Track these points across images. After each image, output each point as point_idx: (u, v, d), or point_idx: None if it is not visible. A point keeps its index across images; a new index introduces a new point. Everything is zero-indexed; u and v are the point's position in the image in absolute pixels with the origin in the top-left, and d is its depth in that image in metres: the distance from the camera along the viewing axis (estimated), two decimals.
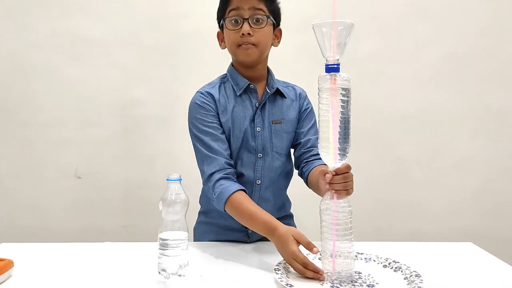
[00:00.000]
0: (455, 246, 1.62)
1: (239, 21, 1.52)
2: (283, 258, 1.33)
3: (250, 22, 1.51)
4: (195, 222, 1.81)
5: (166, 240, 1.24)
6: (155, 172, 2.69)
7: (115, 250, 1.54)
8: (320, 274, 1.23)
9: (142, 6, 2.64)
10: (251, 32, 1.51)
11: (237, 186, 1.49)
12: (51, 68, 2.64)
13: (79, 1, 2.61)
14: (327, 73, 1.15)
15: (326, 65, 1.15)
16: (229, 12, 1.53)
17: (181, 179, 1.27)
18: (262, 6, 1.53)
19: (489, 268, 1.42)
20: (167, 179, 1.26)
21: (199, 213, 1.80)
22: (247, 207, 1.44)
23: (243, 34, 1.51)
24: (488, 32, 2.70)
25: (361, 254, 1.43)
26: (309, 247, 1.27)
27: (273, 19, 1.57)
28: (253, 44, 1.53)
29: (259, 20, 1.53)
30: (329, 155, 1.20)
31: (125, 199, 2.72)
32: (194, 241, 1.75)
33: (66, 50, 2.64)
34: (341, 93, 1.14)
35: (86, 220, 2.71)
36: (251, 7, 1.51)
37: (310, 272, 1.24)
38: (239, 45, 1.54)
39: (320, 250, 1.27)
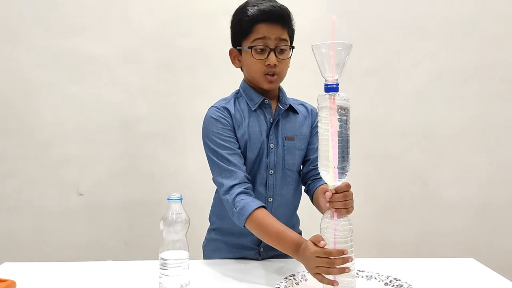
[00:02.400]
0: (457, 262, 1.62)
1: (264, 50, 1.52)
2: (307, 271, 1.30)
3: (275, 52, 1.52)
4: (203, 238, 1.80)
5: (167, 260, 1.24)
6: (157, 188, 2.69)
7: (116, 269, 1.54)
8: (347, 257, 1.19)
9: (143, 24, 2.67)
10: (277, 63, 1.52)
11: (258, 202, 1.46)
12: (53, 86, 2.66)
13: (81, 19, 2.64)
14: (326, 93, 1.16)
15: (325, 85, 1.16)
16: (254, 40, 1.52)
17: (181, 199, 1.27)
18: (286, 36, 1.55)
19: (491, 284, 1.42)
20: (167, 199, 1.26)
21: (209, 230, 1.79)
22: (273, 225, 1.41)
23: (269, 64, 1.52)
24: (485, 47, 2.74)
25: (362, 271, 1.42)
26: (317, 239, 1.24)
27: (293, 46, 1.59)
28: (276, 74, 1.55)
29: (284, 51, 1.55)
30: (329, 174, 1.20)
31: (126, 216, 2.73)
32: (203, 258, 1.75)
33: (68, 68, 2.66)
34: (340, 113, 1.15)
35: (88, 237, 2.72)
36: (277, 38, 1.52)
37: (338, 260, 1.19)
38: (264, 74, 1.55)
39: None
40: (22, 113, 2.67)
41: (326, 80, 1.16)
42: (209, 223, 1.80)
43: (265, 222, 1.42)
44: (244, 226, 1.46)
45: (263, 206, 1.46)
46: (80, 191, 2.70)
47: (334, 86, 1.15)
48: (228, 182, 1.50)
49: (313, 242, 1.25)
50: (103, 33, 2.66)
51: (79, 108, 2.68)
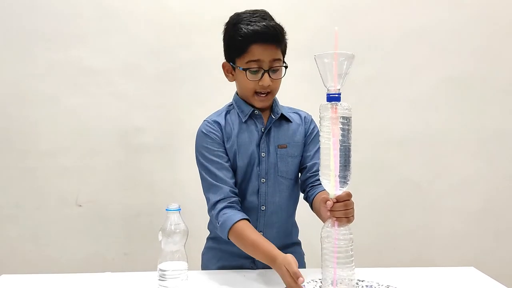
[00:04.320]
0: (457, 271, 1.61)
1: (258, 71, 1.53)
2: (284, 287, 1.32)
3: (269, 73, 1.53)
4: (203, 247, 1.81)
5: (165, 271, 1.23)
6: (156, 199, 2.69)
7: (115, 281, 1.52)
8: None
9: (142, 36, 2.67)
10: (270, 83, 1.54)
11: (240, 215, 1.50)
12: (52, 98, 2.66)
13: (79, 31, 2.65)
14: (328, 102, 1.16)
15: (328, 94, 1.16)
16: (248, 61, 1.52)
17: (180, 209, 1.26)
18: (279, 55, 1.55)
19: None
20: (166, 209, 1.25)
21: (208, 238, 1.80)
22: (248, 237, 1.45)
23: (262, 85, 1.53)
24: (483, 55, 2.75)
25: (362, 281, 1.41)
26: (295, 276, 1.26)
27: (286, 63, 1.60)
28: (269, 92, 1.57)
29: (277, 71, 1.56)
30: (330, 183, 1.20)
31: (126, 227, 2.72)
32: (201, 266, 1.76)
33: (67, 80, 2.66)
34: (341, 122, 1.15)
35: (87, 248, 2.70)
36: (271, 59, 1.53)
37: None
38: (255, 93, 1.57)
39: (320, 278, 1.25)
40: (21, 124, 2.66)
41: (328, 90, 1.16)
42: (208, 232, 1.80)
43: (243, 234, 1.46)
44: (229, 239, 1.50)
45: (245, 219, 1.50)
46: (79, 202, 2.69)
47: (336, 95, 1.15)
48: (213, 198, 1.54)
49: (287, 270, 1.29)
50: (102, 44, 2.66)
51: (78, 119, 2.68)
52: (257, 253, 1.44)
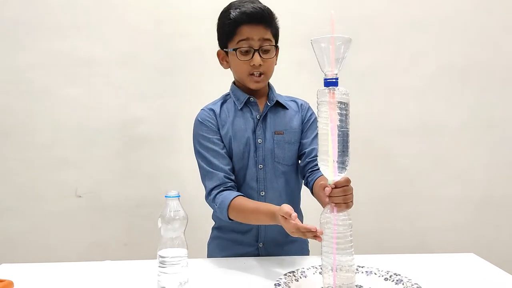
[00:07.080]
0: (457, 257, 1.62)
1: (249, 51, 1.57)
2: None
3: (260, 52, 1.56)
4: (203, 237, 1.83)
5: (165, 257, 1.23)
6: (156, 189, 2.69)
7: (115, 269, 1.53)
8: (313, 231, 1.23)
9: (139, 26, 2.66)
10: (262, 63, 1.57)
11: (236, 193, 1.54)
12: (50, 89, 2.65)
13: (76, 22, 2.63)
14: (325, 87, 1.15)
15: (325, 79, 1.15)
16: (238, 42, 1.57)
17: (179, 196, 1.26)
18: (269, 35, 1.59)
19: (491, 278, 1.42)
20: (165, 196, 1.25)
21: (213, 228, 1.81)
22: (248, 207, 1.50)
23: (254, 64, 1.57)
24: (483, 44, 2.73)
25: (362, 267, 1.41)
26: (287, 216, 1.30)
27: (277, 45, 1.64)
28: (263, 73, 1.60)
29: (268, 51, 1.59)
30: (329, 168, 1.19)
31: (125, 217, 2.72)
32: (207, 256, 1.78)
33: (64, 71, 2.65)
34: (339, 107, 1.14)
35: (87, 239, 2.71)
36: (261, 38, 1.56)
37: (309, 234, 1.24)
38: (249, 74, 1.59)
39: (320, 264, 1.26)
40: (20, 115, 2.65)
41: (325, 75, 1.16)
42: (214, 222, 1.82)
43: (242, 207, 1.51)
44: (230, 219, 1.53)
45: (240, 195, 1.55)
46: (79, 193, 2.69)
47: (334, 80, 1.14)
48: (209, 185, 1.59)
49: (283, 217, 1.31)
50: (100, 35, 2.65)
51: (77, 110, 2.67)
52: (260, 217, 1.47)
